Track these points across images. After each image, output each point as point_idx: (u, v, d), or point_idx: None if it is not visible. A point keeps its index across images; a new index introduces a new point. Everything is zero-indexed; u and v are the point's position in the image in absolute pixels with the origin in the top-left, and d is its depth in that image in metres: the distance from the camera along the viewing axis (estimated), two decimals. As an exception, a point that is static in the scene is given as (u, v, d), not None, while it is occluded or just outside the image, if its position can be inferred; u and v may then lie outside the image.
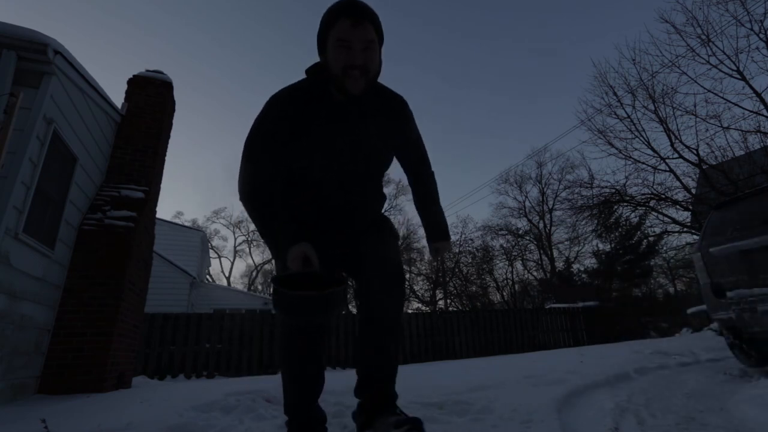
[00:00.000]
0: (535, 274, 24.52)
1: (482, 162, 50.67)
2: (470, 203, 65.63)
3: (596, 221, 15.12)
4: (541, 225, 24.48)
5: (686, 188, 11.90)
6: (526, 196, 25.11)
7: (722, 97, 10.43)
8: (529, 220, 24.76)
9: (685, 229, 12.58)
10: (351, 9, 1.29)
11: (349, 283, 1.66)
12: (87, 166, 4.29)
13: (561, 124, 63.73)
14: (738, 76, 10.19)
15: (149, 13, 51.55)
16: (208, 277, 24.99)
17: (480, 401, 2.23)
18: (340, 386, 2.52)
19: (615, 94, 12.45)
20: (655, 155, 11.90)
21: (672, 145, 11.51)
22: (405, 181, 1.79)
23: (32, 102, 3.29)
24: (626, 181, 12.70)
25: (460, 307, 24.15)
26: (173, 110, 5.66)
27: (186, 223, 27.59)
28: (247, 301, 16.56)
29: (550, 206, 23.67)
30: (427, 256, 27.11)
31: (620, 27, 40.33)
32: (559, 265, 22.66)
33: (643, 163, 12.21)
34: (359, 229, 1.56)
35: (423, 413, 1.90)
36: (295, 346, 1.51)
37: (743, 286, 3.20)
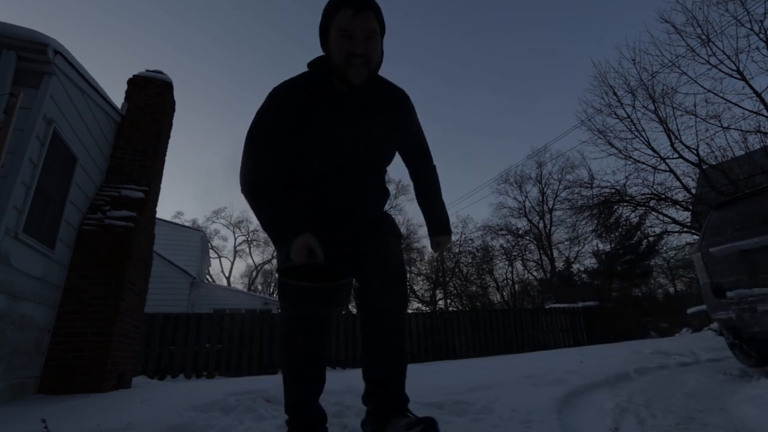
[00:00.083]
0: (535, 274, 24.54)
1: (482, 162, 50.71)
2: (470, 203, 65.69)
3: (596, 221, 15.13)
4: (541, 225, 24.50)
5: (686, 188, 11.90)
6: (526, 196, 25.14)
7: (722, 97, 10.44)
8: (529, 220, 24.78)
9: (685, 229, 12.58)
10: None
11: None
12: (87, 166, 4.29)
13: (561, 124, 63.76)
14: (738, 76, 10.19)
15: (149, 13, 51.59)
16: (208, 277, 24.99)
17: (480, 401, 2.23)
18: (340, 386, 2.52)
19: (615, 94, 12.47)
20: (655, 155, 11.91)
21: (672, 145, 11.52)
22: (405, 180, 1.79)
23: (32, 102, 3.29)
24: (626, 181, 12.73)
25: (460, 307, 24.16)
26: (173, 110, 5.66)
27: (186, 223, 27.63)
28: (247, 301, 16.56)
29: (550, 206, 23.70)
30: (427, 256, 27.12)
31: (620, 27, 40.34)
32: (559, 265, 22.67)
33: (643, 163, 12.23)
34: (360, 228, 1.54)
35: (423, 413, 1.90)
36: (295, 345, 1.51)
37: (743, 286, 3.20)
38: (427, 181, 1.78)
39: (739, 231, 3.33)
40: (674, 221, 12.69)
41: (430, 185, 1.78)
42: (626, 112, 12.26)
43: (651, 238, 16.46)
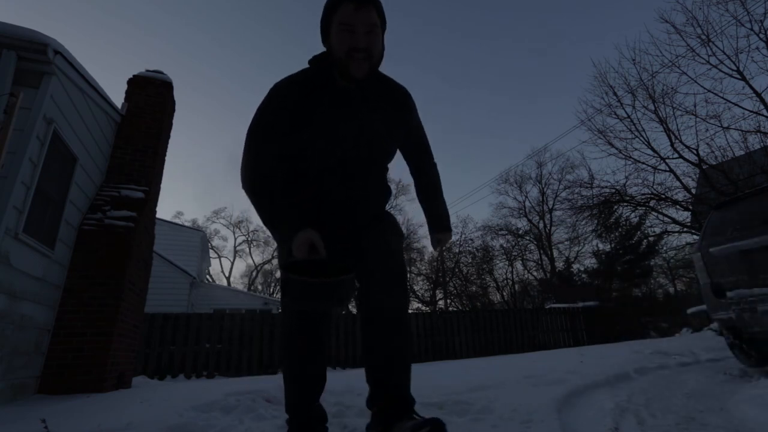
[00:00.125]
0: (535, 274, 24.55)
1: (482, 162, 50.70)
2: (470, 203, 65.66)
3: (596, 221, 15.13)
4: (541, 225, 24.51)
5: (686, 188, 11.90)
6: (526, 196, 25.14)
7: (722, 97, 10.44)
8: (529, 220, 24.78)
9: (685, 229, 12.58)
10: None
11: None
12: (87, 166, 4.29)
13: (561, 124, 63.77)
14: (738, 76, 10.19)
15: (149, 13, 51.57)
16: (208, 277, 24.99)
17: (480, 401, 2.23)
18: (340, 386, 2.52)
19: (615, 94, 12.47)
20: (655, 155, 11.91)
21: (672, 145, 11.52)
22: (405, 180, 1.79)
23: (32, 102, 3.29)
24: (626, 181, 12.73)
25: (460, 307, 24.16)
26: (173, 110, 5.67)
27: (186, 223, 27.63)
28: (247, 301, 16.57)
29: (550, 206, 23.70)
30: (427, 256, 27.12)
31: (620, 27, 40.34)
32: (559, 265, 22.67)
33: (643, 163, 12.23)
34: (361, 223, 1.53)
35: (423, 413, 1.90)
36: (295, 345, 1.51)
37: (743, 286, 3.20)
38: (428, 178, 1.78)
39: (739, 231, 3.33)
40: (674, 221, 12.69)
41: (431, 182, 1.78)
42: (626, 112, 12.28)
43: (651, 238, 16.47)
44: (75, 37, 49.02)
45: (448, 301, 24.92)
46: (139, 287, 4.71)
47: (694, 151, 11.06)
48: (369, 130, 1.45)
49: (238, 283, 36.54)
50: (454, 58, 49.56)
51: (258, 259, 36.93)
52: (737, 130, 10.54)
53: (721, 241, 3.44)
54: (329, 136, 1.42)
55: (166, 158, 5.57)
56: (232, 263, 50.83)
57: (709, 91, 10.55)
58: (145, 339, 7.08)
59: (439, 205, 1.79)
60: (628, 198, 12.90)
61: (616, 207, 13.91)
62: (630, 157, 12.32)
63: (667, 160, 11.79)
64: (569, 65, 45.49)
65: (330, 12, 1.35)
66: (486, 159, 50.14)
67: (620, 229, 17.03)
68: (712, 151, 10.96)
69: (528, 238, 24.52)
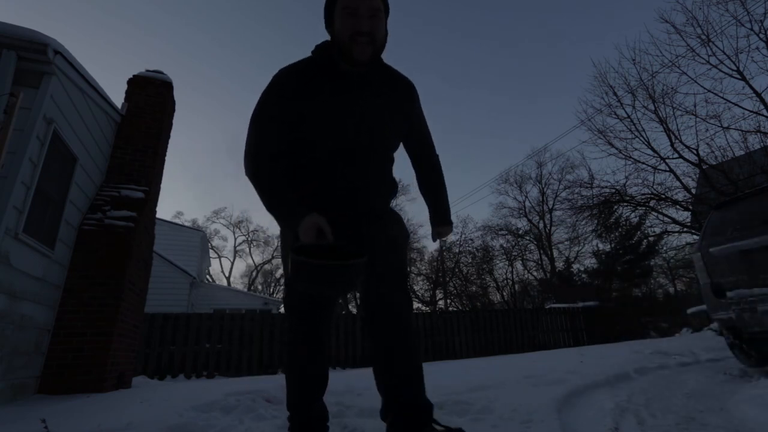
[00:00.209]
0: (535, 274, 24.56)
1: (482, 162, 50.72)
2: (470, 203, 65.64)
3: (596, 221, 15.13)
4: (541, 225, 24.51)
5: (686, 188, 11.90)
6: (526, 196, 25.15)
7: (722, 97, 10.45)
8: (529, 220, 24.79)
9: (685, 229, 12.58)
10: None
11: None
12: (87, 166, 4.29)
13: (561, 124, 63.78)
14: (738, 76, 10.19)
15: (149, 13, 51.59)
16: (208, 277, 24.99)
17: (480, 401, 2.23)
18: (340, 386, 2.52)
19: (615, 94, 12.47)
20: (655, 155, 11.92)
21: (672, 145, 11.52)
22: (405, 180, 1.78)
23: (32, 102, 3.29)
24: (626, 181, 12.74)
25: (460, 307, 24.17)
26: (173, 110, 5.66)
27: (186, 223, 27.63)
28: (247, 301, 16.57)
29: (550, 206, 23.70)
30: (427, 256, 27.13)
31: (620, 27, 40.34)
32: (559, 265, 22.67)
33: (643, 163, 12.23)
34: (361, 210, 1.51)
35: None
36: (296, 346, 1.52)
37: (743, 286, 3.20)
38: (430, 171, 1.76)
39: (739, 231, 3.33)
40: (674, 221, 12.69)
41: (434, 174, 1.77)
42: (626, 112, 12.28)
43: (651, 238, 16.47)
44: (75, 37, 49.06)
45: (448, 301, 24.94)
46: (139, 287, 4.71)
47: (694, 151, 11.08)
48: (370, 117, 1.44)
49: (238, 283, 36.57)
50: (454, 58, 49.61)
51: (258, 259, 36.98)
52: (737, 130, 10.56)
53: (721, 241, 3.44)
54: (330, 123, 1.41)
55: (166, 158, 5.58)
56: (232, 263, 50.89)
57: (709, 91, 10.56)
58: (145, 339, 7.08)
59: (441, 198, 1.78)
60: (628, 198, 12.90)
61: (616, 207, 13.92)
62: (630, 157, 12.34)
63: (667, 160, 11.81)
64: (569, 65, 45.53)
65: None
66: (486, 159, 50.19)
67: (620, 229, 17.03)
68: (712, 151, 10.99)
69: (528, 238, 24.54)
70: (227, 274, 35.43)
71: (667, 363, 4.19)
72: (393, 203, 1.72)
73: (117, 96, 13.59)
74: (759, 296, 3.05)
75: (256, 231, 37.18)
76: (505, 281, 24.64)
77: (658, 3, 23.79)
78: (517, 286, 24.64)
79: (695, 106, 11.22)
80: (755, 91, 10.01)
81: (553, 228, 23.70)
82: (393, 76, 1.54)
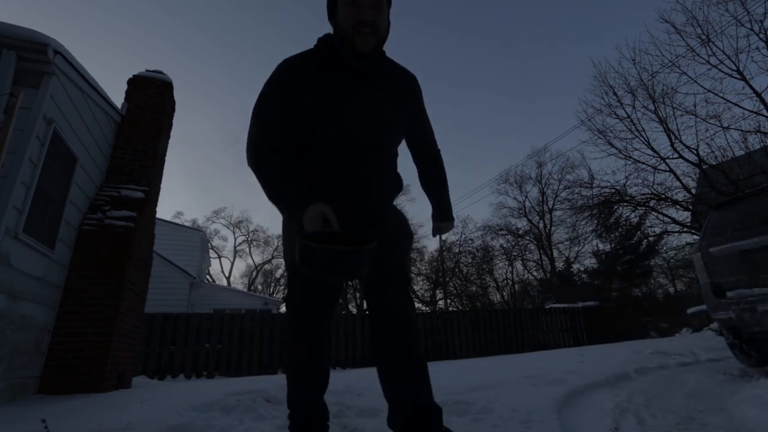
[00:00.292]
0: (535, 274, 24.57)
1: (482, 162, 50.74)
2: (470, 203, 65.64)
3: (596, 221, 15.13)
4: (541, 225, 24.51)
5: (686, 188, 11.90)
6: (526, 196, 25.15)
7: (722, 97, 10.45)
8: (529, 220, 24.79)
9: (685, 229, 12.58)
10: None
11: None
12: (87, 166, 4.29)
13: (561, 124, 63.82)
14: (738, 76, 10.19)
15: (149, 13, 51.62)
16: (208, 277, 24.99)
17: (480, 401, 2.23)
18: (340, 386, 2.52)
19: (615, 94, 12.48)
20: (655, 155, 11.92)
21: (672, 145, 11.52)
22: (406, 180, 1.75)
23: (32, 102, 3.29)
24: (626, 181, 12.74)
25: (460, 307, 24.18)
26: (173, 110, 5.66)
27: (186, 223, 27.62)
28: (247, 301, 16.57)
29: (550, 206, 23.71)
30: (427, 256, 27.13)
31: (620, 27, 40.37)
32: (559, 265, 22.68)
33: (643, 163, 12.23)
34: (363, 204, 1.48)
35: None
36: (296, 346, 1.53)
37: (743, 286, 3.20)
38: (433, 166, 1.75)
39: (739, 231, 3.33)
40: (674, 221, 12.69)
41: (436, 170, 1.76)
42: (626, 112, 12.28)
43: (651, 238, 16.48)
44: (75, 37, 49.09)
45: (448, 301, 24.93)
46: (139, 287, 4.71)
47: (694, 151, 11.08)
48: (372, 110, 1.44)
49: (238, 283, 36.55)
50: (454, 58, 49.66)
51: (258, 259, 36.92)
52: (737, 130, 10.56)
53: (721, 241, 3.44)
54: (332, 114, 1.41)
55: (166, 158, 5.57)
56: (232, 263, 50.85)
57: (709, 91, 10.56)
58: (145, 339, 7.08)
59: (443, 194, 1.77)
60: (628, 198, 12.90)
61: (616, 207, 13.92)
62: (630, 157, 12.34)
63: (667, 160, 11.81)
64: (569, 65, 45.58)
65: None
66: (486, 159, 50.23)
67: (620, 229, 17.03)
68: (712, 151, 10.99)
69: (528, 238, 24.54)
70: (227, 274, 35.44)
71: (667, 363, 4.19)
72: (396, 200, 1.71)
73: (117, 96, 13.59)
74: (759, 296, 3.05)
75: (256, 231, 37.24)
76: (505, 281, 24.67)
77: (658, 3, 23.81)
78: (517, 286, 24.66)
79: (695, 106, 11.24)
80: (755, 91, 10.01)
81: (553, 228, 23.73)
82: (396, 70, 1.54)
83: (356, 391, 2.54)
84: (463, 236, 25.66)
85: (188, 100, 49.62)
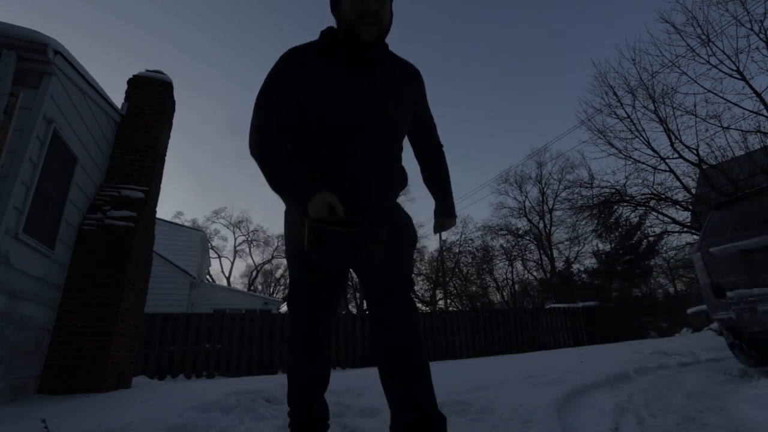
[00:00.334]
0: (535, 274, 24.56)
1: (482, 162, 50.74)
2: (470, 203, 65.54)
3: (596, 221, 15.13)
4: (541, 225, 24.50)
5: (686, 188, 11.90)
6: (526, 196, 25.14)
7: (722, 97, 10.44)
8: (529, 220, 24.78)
9: (685, 229, 12.58)
10: None
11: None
12: (87, 166, 4.29)
13: (561, 124, 63.84)
14: (738, 76, 10.19)
15: (149, 13, 51.62)
16: (208, 277, 24.99)
17: (480, 401, 2.23)
18: (340, 386, 2.51)
19: (615, 94, 12.47)
20: (655, 155, 11.91)
21: (672, 145, 11.51)
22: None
23: (32, 102, 3.28)
24: (626, 181, 12.73)
25: (460, 307, 24.18)
26: (173, 110, 5.66)
27: (186, 223, 27.60)
28: (247, 301, 16.56)
29: (550, 206, 23.69)
30: (427, 256, 27.13)
31: (620, 27, 40.38)
32: (559, 265, 22.67)
33: (643, 163, 12.22)
34: (364, 203, 1.43)
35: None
36: (296, 345, 1.53)
37: (743, 286, 3.20)
38: (436, 161, 1.74)
39: (739, 231, 3.33)
40: (674, 221, 12.69)
41: (439, 165, 1.75)
42: (626, 112, 12.27)
43: (651, 238, 16.47)
44: (75, 37, 49.09)
45: (448, 301, 24.92)
46: (139, 287, 4.71)
47: (694, 151, 11.07)
48: (375, 101, 1.43)
49: (238, 283, 36.55)
50: (454, 58, 49.65)
51: (258, 259, 36.96)
52: (737, 130, 10.56)
53: (721, 241, 3.44)
54: (335, 104, 1.40)
55: (166, 158, 5.57)
56: (232, 263, 50.89)
57: (709, 91, 10.56)
58: (145, 339, 7.08)
59: (446, 189, 1.75)
60: (628, 198, 12.90)
61: (616, 207, 13.91)
62: (630, 157, 12.33)
63: (667, 160, 11.80)
64: (569, 65, 45.59)
65: None
66: (486, 159, 50.23)
67: (620, 229, 17.03)
68: (712, 151, 10.98)
69: (528, 238, 24.53)
70: (227, 274, 35.42)
71: (667, 363, 4.19)
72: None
73: (117, 96, 13.59)
74: (759, 296, 3.05)
75: (256, 231, 37.22)
76: (505, 281, 24.67)
77: (658, 3, 23.82)
78: (517, 286, 24.66)
79: (695, 106, 11.25)
80: (755, 91, 10.01)
81: (553, 228, 23.72)
82: (399, 63, 1.54)
83: (356, 391, 2.54)
84: (463, 236, 25.69)
85: (188, 99, 49.68)
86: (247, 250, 39.75)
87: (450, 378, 3.36)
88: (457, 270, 24.89)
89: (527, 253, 24.60)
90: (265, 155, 1.37)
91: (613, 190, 13.03)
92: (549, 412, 1.95)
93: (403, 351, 1.40)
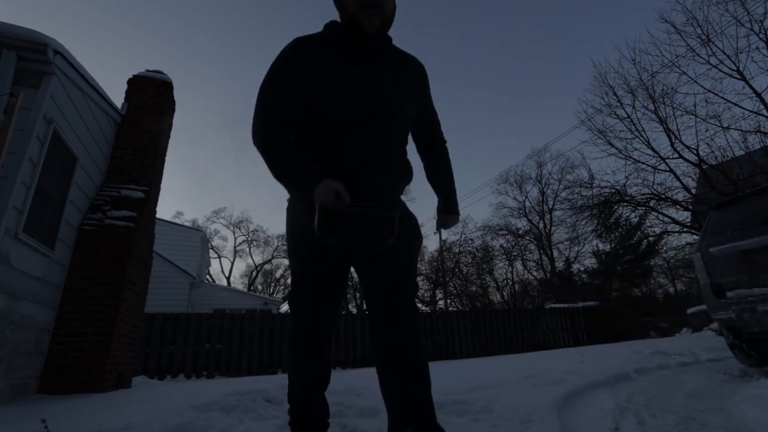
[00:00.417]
0: (535, 274, 24.57)
1: (482, 162, 50.77)
2: (470, 203, 65.40)
3: (596, 221, 15.13)
4: (541, 225, 24.50)
5: (686, 188, 11.90)
6: (526, 196, 25.15)
7: (722, 97, 10.44)
8: (529, 220, 24.78)
9: (685, 229, 12.58)
10: None
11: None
12: (87, 166, 4.29)
13: (561, 124, 63.82)
14: (738, 76, 10.19)
15: (149, 13, 51.63)
16: (208, 277, 24.99)
17: (480, 401, 2.23)
18: (340, 386, 2.51)
19: (615, 94, 12.47)
20: (655, 155, 11.91)
21: (672, 145, 11.52)
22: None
23: (32, 102, 3.28)
24: (626, 181, 12.74)
25: (460, 307, 24.18)
26: (173, 110, 5.66)
27: (186, 223, 27.60)
28: (247, 301, 16.57)
29: (550, 206, 23.70)
30: (427, 256, 27.12)
31: (620, 27, 40.39)
32: (559, 265, 22.67)
33: (643, 163, 12.23)
34: (365, 195, 1.38)
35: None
36: (296, 345, 1.53)
37: (743, 286, 3.20)
38: (439, 157, 1.73)
39: (739, 231, 3.33)
40: (674, 221, 12.69)
41: (443, 161, 1.73)
42: (626, 112, 12.28)
43: (651, 238, 16.47)
44: (75, 37, 49.10)
45: (448, 301, 24.93)
46: (139, 287, 4.71)
47: (694, 151, 11.07)
48: (377, 93, 1.42)
49: (238, 283, 36.54)
50: (454, 58, 49.67)
51: (258, 259, 36.92)
52: (737, 130, 10.56)
53: (721, 241, 3.44)
54: (337, 95, 1.39)
55: (166, 158, 5.57)
56: (232, 263, 50.89)
57: (709, 91, 10.56)
58: (145, 339, 7.08)
59: (450, 185, 1.74)
60: (628, 198, 12.90)
61: (616, 207, 13.91)
62: (630, 157, 12.33)
63: (667, 160, 11.80)
64: (569, 65, 45.61)
65: None
66: (486, 159, 50.26)
67: (620, 229, 17.03)
68: (712, 151, 10.98)
69: (528, 238, 24.54)
70: (227, 274, 35.40)
71: (667, 363, 4.19)
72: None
73: (117, 96, 13.61)
74: (759, 296, 3.05)
75: (256, 231, 37.21)
76: (505, 281, 24.68)
77: (658, 3, 23.83)
78: (517, 286, 24.66)
79: (695, 106, 11.26)
80: (755, 91, 10.01)
81: (553, 228, 23.73)
82: (402, 56, 1.54)
83: (356, 391, 2.54)
84: (463, 236, 25.70)
85: (188, 99, 49.67)
86: (247, 250, 39.79)
87: (450, 378, 3.36)
88: (457, 270, 24.90)
89: (527, 253, 24.63)
90: (267, 144, 1.37)
91: (613, 190, 13.03)
92: (549, 412, 1.95)
93: (403, 351, 1.38)
